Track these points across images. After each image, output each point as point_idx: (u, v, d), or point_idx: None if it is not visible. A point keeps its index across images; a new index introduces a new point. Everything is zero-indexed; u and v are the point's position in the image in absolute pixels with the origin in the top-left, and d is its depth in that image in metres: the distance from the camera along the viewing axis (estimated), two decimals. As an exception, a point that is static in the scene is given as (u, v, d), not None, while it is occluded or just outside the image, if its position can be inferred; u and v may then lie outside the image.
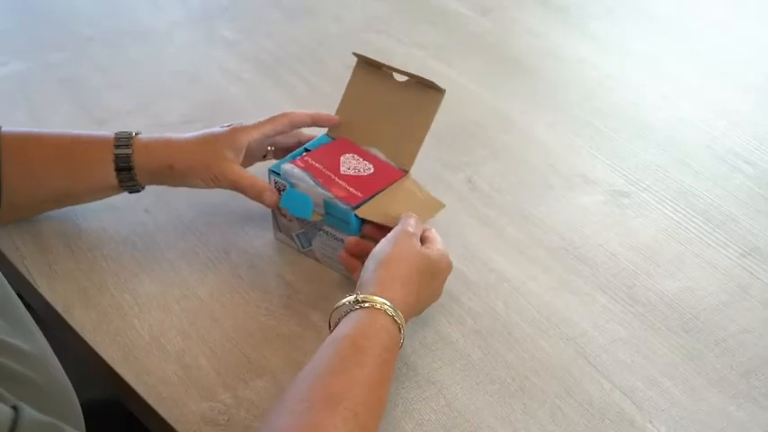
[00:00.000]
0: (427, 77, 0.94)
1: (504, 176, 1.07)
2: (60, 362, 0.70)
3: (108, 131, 0.96)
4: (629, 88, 1.23)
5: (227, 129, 0.95)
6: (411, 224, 0.86)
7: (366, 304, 0.78)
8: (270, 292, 0.92)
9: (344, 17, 1.38)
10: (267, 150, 1.01)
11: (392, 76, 0.95)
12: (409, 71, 0.94)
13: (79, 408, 0.68)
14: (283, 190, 0.92)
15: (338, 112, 0.99)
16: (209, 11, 1.41)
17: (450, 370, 0.84)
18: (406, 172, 0.94)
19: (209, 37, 1.35)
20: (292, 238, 0.96)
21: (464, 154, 1.11)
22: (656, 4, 1.44)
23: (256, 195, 0.94)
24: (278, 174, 0.93)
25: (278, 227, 0.97)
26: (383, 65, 0.96)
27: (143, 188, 0.97)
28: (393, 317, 0.78)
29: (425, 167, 0.98)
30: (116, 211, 1.00)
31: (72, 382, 0.69)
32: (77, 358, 0.91)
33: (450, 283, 0.92)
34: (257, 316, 0.90)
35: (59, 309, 0.91)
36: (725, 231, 0.99)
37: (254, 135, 0.95)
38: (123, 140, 0.95)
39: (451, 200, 1.03)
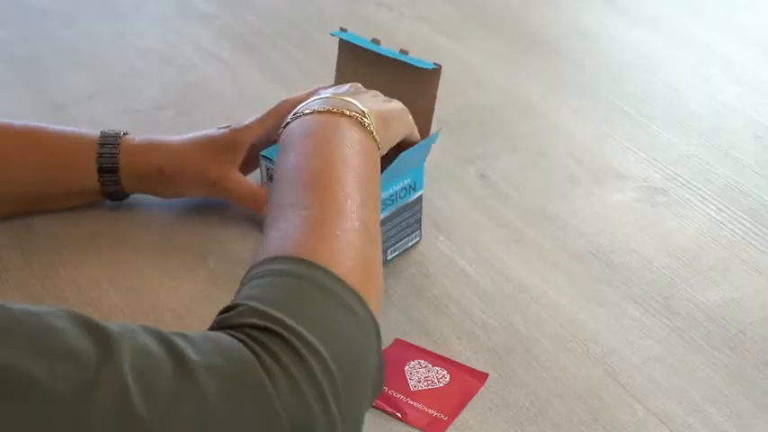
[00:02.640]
0: (433, 55, 0.94)
1: (522, 171, 1.07)
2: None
3: (93, 131, 0.96)
4: (666, 69, 1.23)
5: (225, 130, 0.96)
6: None
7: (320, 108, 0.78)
8: (253, 304, 0.93)
9: (338, -13, 1.39)
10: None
11: (381, 56, 0.95)
12: (410, 48, 0.94)
13: None
14: None
15: None
16: (182, -20, 1.41)
17: (461, 393, 0.84)
18: None
19: (183, 10, 1.35)
20: None
21: (476, 145, 1.11)
22: (697, -29, 1.44)
23: (257, 207, 0.95)
24: (270, 160, 0.93)
25: None
26: (366, 49, 0.95)
27: (127, 196, 0.99)
28: (359, 120, 0.78)
29: (431, 160, 0.98)
30: (77, 211, 1.00)
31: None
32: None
33: (461, 293, 0.92)
34: (238, 331, 0.90)
35: (11, 323, 0.91)
36: (776, 234, 1.00)
37: (256, 132, 0.96)
38: (109, 139, 0.96)
39: (462, 198, 1.03)
